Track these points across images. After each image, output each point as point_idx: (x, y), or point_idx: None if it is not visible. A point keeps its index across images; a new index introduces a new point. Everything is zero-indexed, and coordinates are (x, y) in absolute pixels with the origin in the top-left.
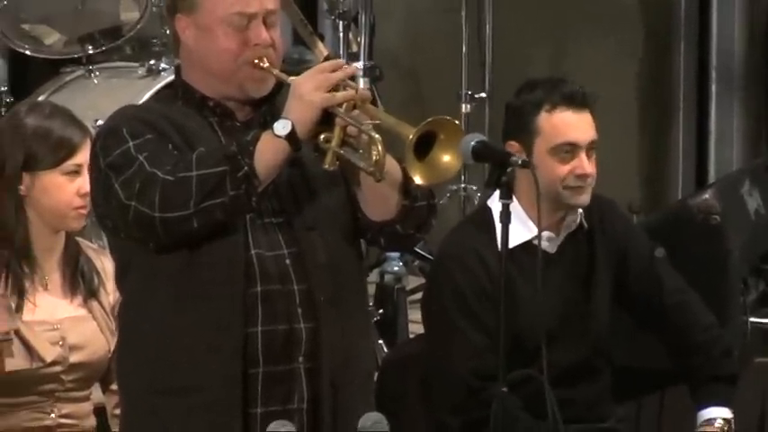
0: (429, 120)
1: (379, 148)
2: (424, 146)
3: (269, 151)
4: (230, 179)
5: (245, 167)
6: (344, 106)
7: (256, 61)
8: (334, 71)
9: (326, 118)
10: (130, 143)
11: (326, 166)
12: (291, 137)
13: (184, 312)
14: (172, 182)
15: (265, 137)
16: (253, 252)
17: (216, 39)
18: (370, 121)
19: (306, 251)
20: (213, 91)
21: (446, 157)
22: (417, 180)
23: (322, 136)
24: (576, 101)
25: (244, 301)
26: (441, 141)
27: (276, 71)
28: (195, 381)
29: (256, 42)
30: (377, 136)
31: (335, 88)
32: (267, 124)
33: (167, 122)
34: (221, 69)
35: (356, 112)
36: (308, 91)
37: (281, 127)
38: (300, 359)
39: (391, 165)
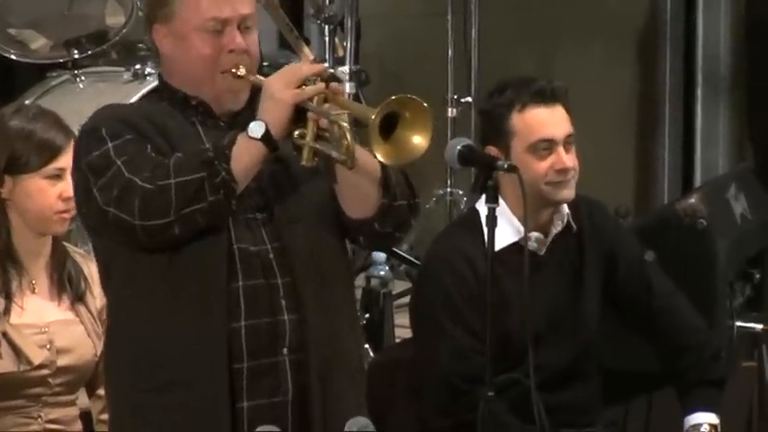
0: (392, 98)
1: (348, 136)
2: (393, 128)
3: (245, 154)
4: (209, 185)
5: (223, 172)
6: (315, 100)
7: (234, 70)
8: (301, 66)
9: (300, 114)
10: (110, 144)
11: (304, 162)
12: (266, 137)
13: (167, 310)
14: (151, 190)
15: (241, 140)
16: (235, 247)
17: (191, 46)
18: (339, 111)
19: (289, 244)
20: (193, 92)
21: (413, 137)
22: (381, 159)
23: (296, 132)
24: (545, 96)
25: (227, 297)
26: (406, 120)
27: (253, 77)
28: (181, 377)
29: (231, 48)
30: (345, 124)
31: (305, 83)
32: (247, 123)
33: (148, 122)
34: (199, 77)
35: (327, 105)
36: (279, 89)
37: (256, 128)
38: (285, 351)
39: (368, 159)
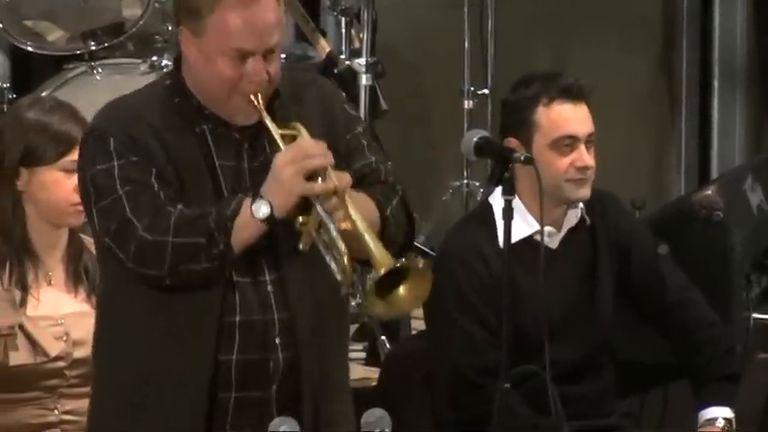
0: (402, 260)
1: (345, 261)
2: (393, 281)
3: (246, 230)
4: (205, 253)
5: (222, 245)
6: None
7: (251, 97)
8: (314, 155)
9: (306, 202)
10: (115, 162)
11: (302, 247)
12: (269, 219)
13: (159, 334)
14: (148, 241)
15: (244, 213)
16: (235, 280)
17: (214, 66)
18: (343, 226)
19: (288, 275)
20: (207, 104)
21: (408, 297)
22: (371, 312)
23: (300, 218)
24: (572, 93)
25: (218, 329)
26: (406, 280)
27: (264, 113)
28: (162, 408)
29: (252, 79)
30: (343, 248)
31: (315, 176)
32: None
33: (155, 139)
34: (215, 94)
35: (335, 199)
36: (288, 177)
37: (261, 209)
38: (274, 387)
39: (366, 209)
